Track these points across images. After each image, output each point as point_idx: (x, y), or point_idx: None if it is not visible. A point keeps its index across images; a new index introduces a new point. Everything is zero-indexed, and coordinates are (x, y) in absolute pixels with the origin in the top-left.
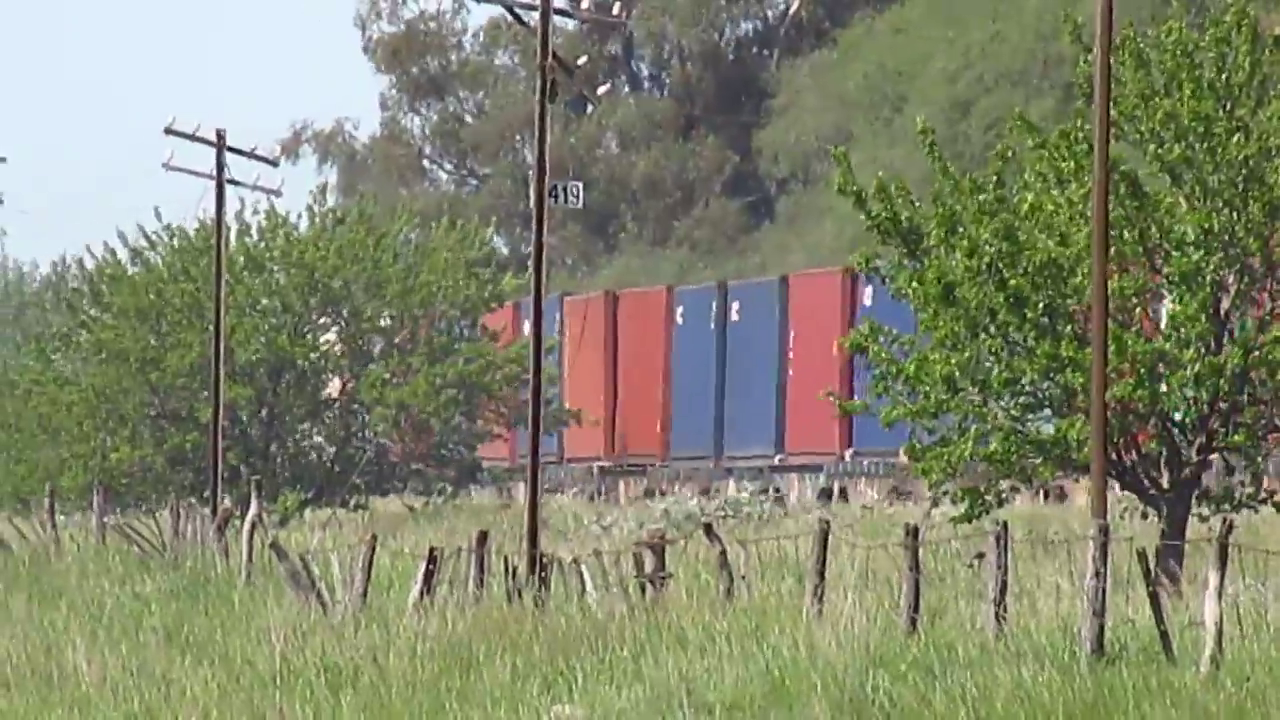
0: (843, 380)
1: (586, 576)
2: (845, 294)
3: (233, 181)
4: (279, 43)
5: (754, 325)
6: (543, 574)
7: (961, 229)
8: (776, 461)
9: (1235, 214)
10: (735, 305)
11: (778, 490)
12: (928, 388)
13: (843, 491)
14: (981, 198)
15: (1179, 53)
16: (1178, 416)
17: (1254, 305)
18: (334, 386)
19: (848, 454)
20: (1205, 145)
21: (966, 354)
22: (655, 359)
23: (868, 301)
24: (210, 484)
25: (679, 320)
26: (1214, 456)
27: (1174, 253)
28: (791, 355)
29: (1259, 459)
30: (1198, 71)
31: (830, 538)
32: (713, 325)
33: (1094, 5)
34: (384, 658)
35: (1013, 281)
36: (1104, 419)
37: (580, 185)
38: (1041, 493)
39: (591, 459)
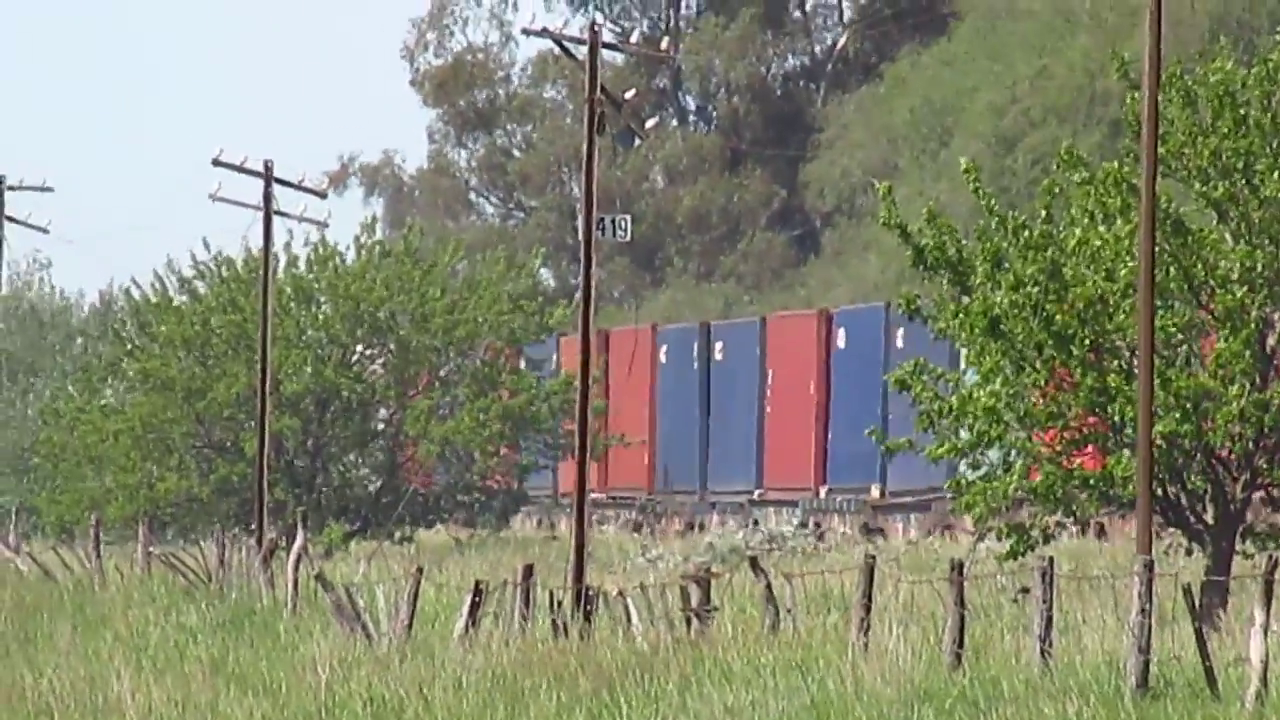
0: (818, 418)
1: (632, 609)
2: (820, 336)
3: (280, 213)
4: (327, 75)
5: (736, 364)
6: (588, 607)
7: (1007, 264)
8: (756, 496)
9: None
10: (719, 345)
11: (818, 525)
12: (971, 421)
13: (817, 525)
14: (1026, 234)
15: (1223, 90)
16: (1223, 453)
17: None
18: (382, 417)
19: (823, 490)
20: (1249, 182)
21: (1012, 388)
22: (642, 395)
23: (841, 344)
24: (256, 515)
25: (663, 359)
26: (1259, 493)
27: (1219, 290)
28: (770, 394)
29: None
30: (1242, 110)
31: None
32: (696, 364)
33: (1142, 42)
34: (429, 690)
35: (1059, 317)
36: (1150, 455)
37: (628, 218)
38: (1081, 528)
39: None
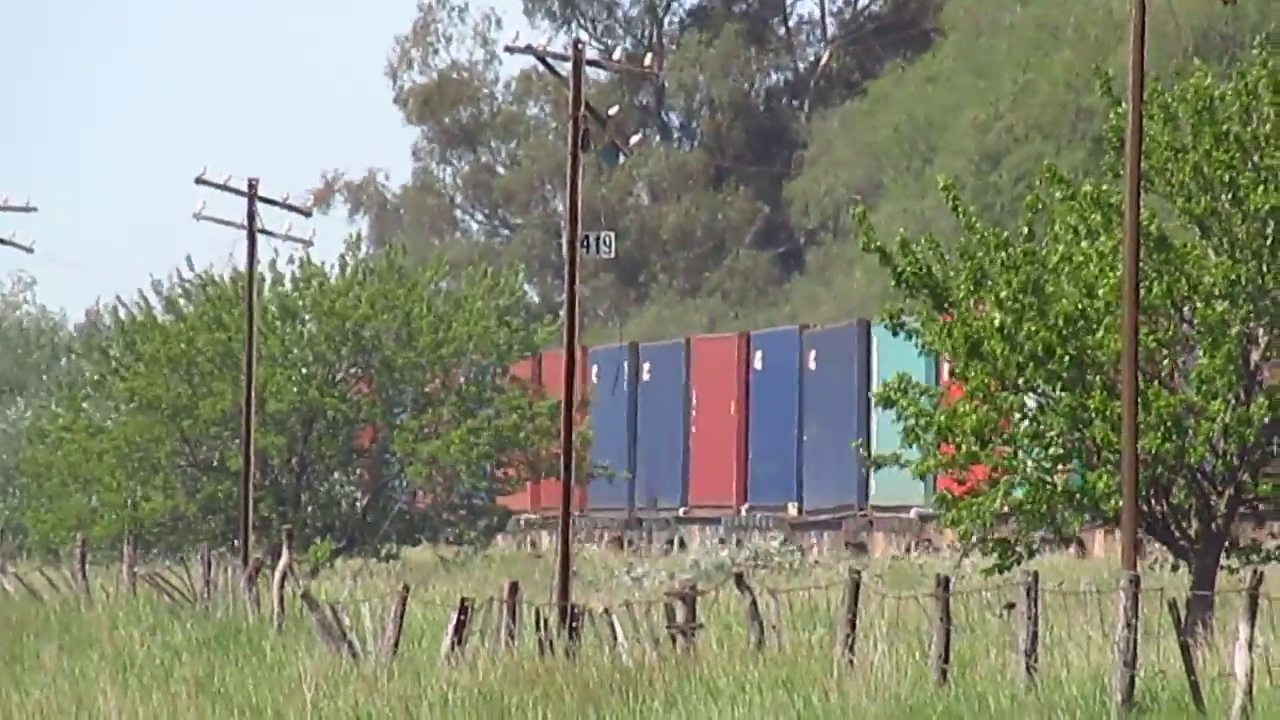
0: (739, 438)
1: (618, 626)
2: (740, 357)
3: (264, 231)
4: (311, 93)
5: (662, 385)
6: (574, 625)
7: (989, 282)
8: (681, 514)
9: (1264, 265)
10: (646, 365)
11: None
12: (958, 439)
13: (739, 543)
14: (1008, 251)
15: (1200, 107)
16: (1206, 468)
17: None
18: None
19: (744, 509)
20: (1231, 197)
21: (996, 406)
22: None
23: (758, 365)
24: (241, 533)
25: (594, 379)
26: (1243, 508)
27: (1199, 306)
28: (694, 414)
29: None
30: (1224, 125)
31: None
32: (625, 385)
33: (1125, 58)
34: (415, 708)
35: (1040, 334)
36: (1135, 471)
37: (612, 235)
38: (1065, 544)
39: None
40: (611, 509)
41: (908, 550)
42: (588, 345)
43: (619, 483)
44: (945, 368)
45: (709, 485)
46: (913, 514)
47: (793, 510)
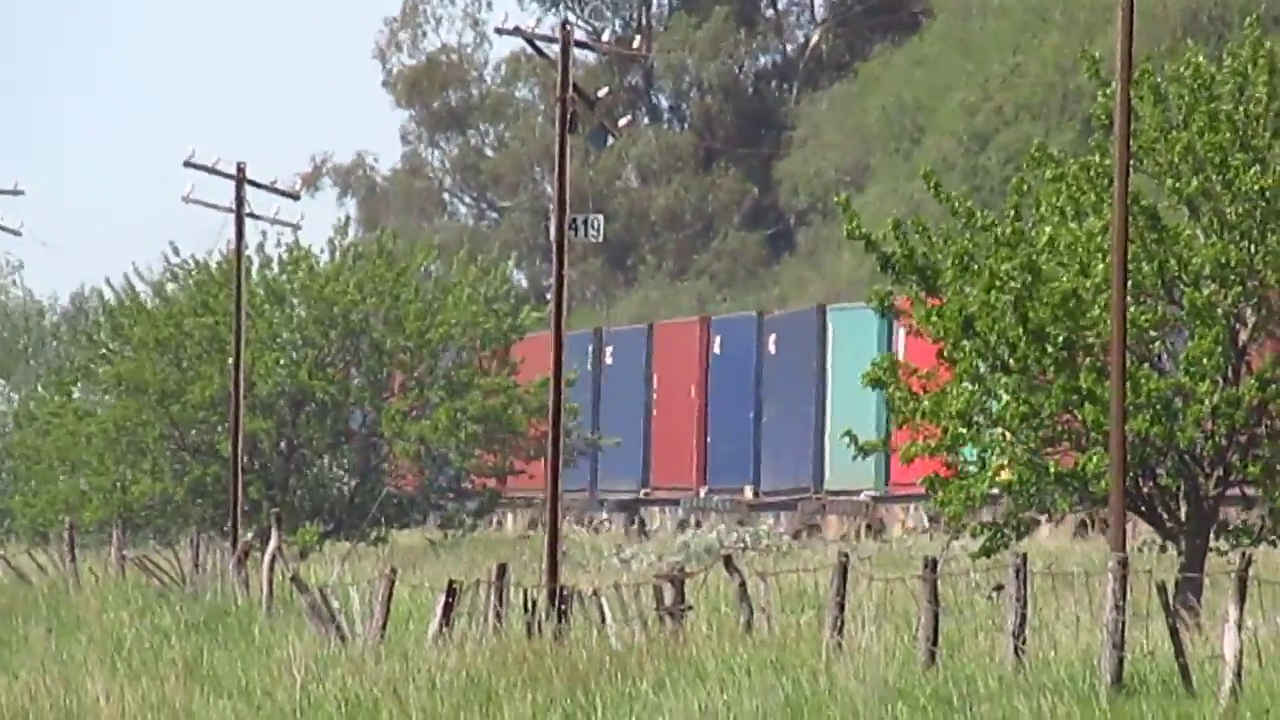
0: (699, 422)
1: (606, 609)
2: (701, 343)
3: (252, 215)
4: (299, 75)
5: (625, 369)
6: (562, 607)
7: (976, 265)
8: (641, 495)
9: (1253, 246)
10: (609, 349)
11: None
12: (946, 422)
13: (697, 524)
14: (998, 230)
15: (1196, 86)
16: (1195, 450)
17: (1272, 338)
18: (356, 420)
19: (702, 491)
20: (1222, 177)
21: (984, 388)
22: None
23: (718, 350)
24: (230, 516)
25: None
26: (1232, 490)
27: (1187, 287)
28: (656, 397)
29: (1277, 493)
30: (1214, 104)
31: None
32: (590, 367)
33: (1113, 39)
34: (404, 690)
35: (1032, 315)
36: (1123, 453)
37: (601, 218)
38: (1083, 525)
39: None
40: (574, 490)
41: (858, 534)
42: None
43: (581, 465)
44: (900, 350)
45: (669, 468)
46: (864, 497)
47: (749, 493)
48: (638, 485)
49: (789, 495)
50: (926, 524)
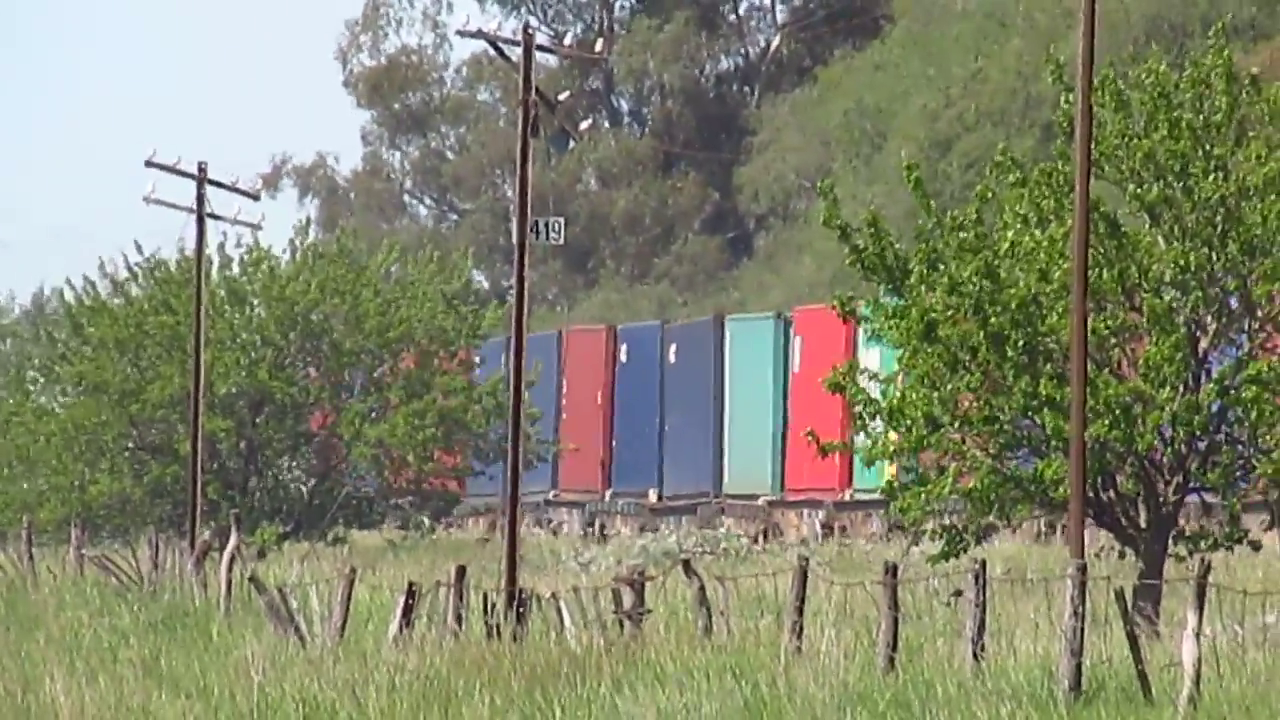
0: (605, 426)
1: (565, 612)
2: (608, 350)
3: (213, 215)
4: (260, 76)
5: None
6: (521, 609)
7: (943, 266)
8: (551, 497)
9: (1213, 253)
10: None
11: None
12: (908, 425)
13: (602, 528)
14: (963, 235)
15: (1157, 94)
16: (1155, 456)
17: (1232, 345)
18: (315, 420)
19: (607, 494)
20: (1182, 185)
21: (948, 388)
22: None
23: (623, 358)
24: (189, 516)
25: (476, 371)
26: (1192, 496)
27: (1147, 294)
28: (565, 402)
29: (1235, 499)
30: (1176, 112)
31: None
32: (504, 372)
33: (1076, 45)
34: (362, 692)
35: (993, 319)
36: (1083, 459)
37: (561, 221)
38: (1047, 529)
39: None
40: (487, 495)
41: (755, 539)
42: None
43: (495, 468)
44: (796, 360)
45: (577, 471)
46: (761, 502)
47: (653, 496)
48: (547, 487)
49: (690, 499)
50: (819, 530)
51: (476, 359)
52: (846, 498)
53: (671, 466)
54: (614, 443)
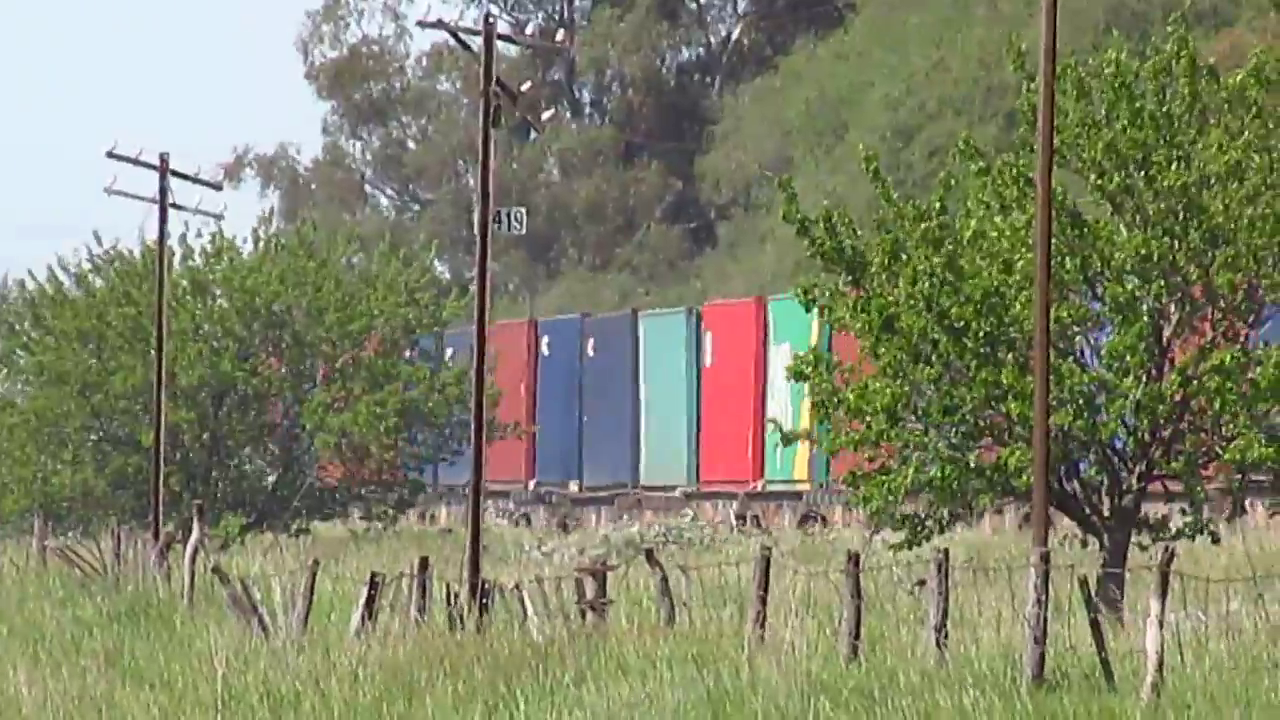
0: (528, 419)
1: (528, 602)
2: (530, 343)
3: (175, 206)
4: (221, 65)
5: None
6: (484, 600)
7: (905, 256)
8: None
9: (1175, 242)
10: (449, 350)
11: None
12: (869, 416)
13: (527, 518)
14: (925, 225)
15: (1118, 83)
16: (1118, 445)
17: (1195, 333)
18: (277, 411)
19: (531, 484)
20: (1144, 174)
21: (908, 382)
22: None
23: (545, 351)
24: (152, 508)
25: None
26: (1154, 485)
27: (1109, 283)
28: None
29: (1198, 488)
30: (1138, 102)
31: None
32: (432, 366)
33: (1038, 34)
34: (326, 683)
35: (954, 310)
36: (1046, 448)
37: (523, 211)
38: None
39: None
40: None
41: (735, 525)
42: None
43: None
44: (707, 354)
45: (502, 462)
46: (677, 493)
47: (574, 487)
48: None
49: (609, 491)
50: (734, 520)
51: (448, 352)
52: (759, 489)
53: (591, 458)
54: (536, 434)
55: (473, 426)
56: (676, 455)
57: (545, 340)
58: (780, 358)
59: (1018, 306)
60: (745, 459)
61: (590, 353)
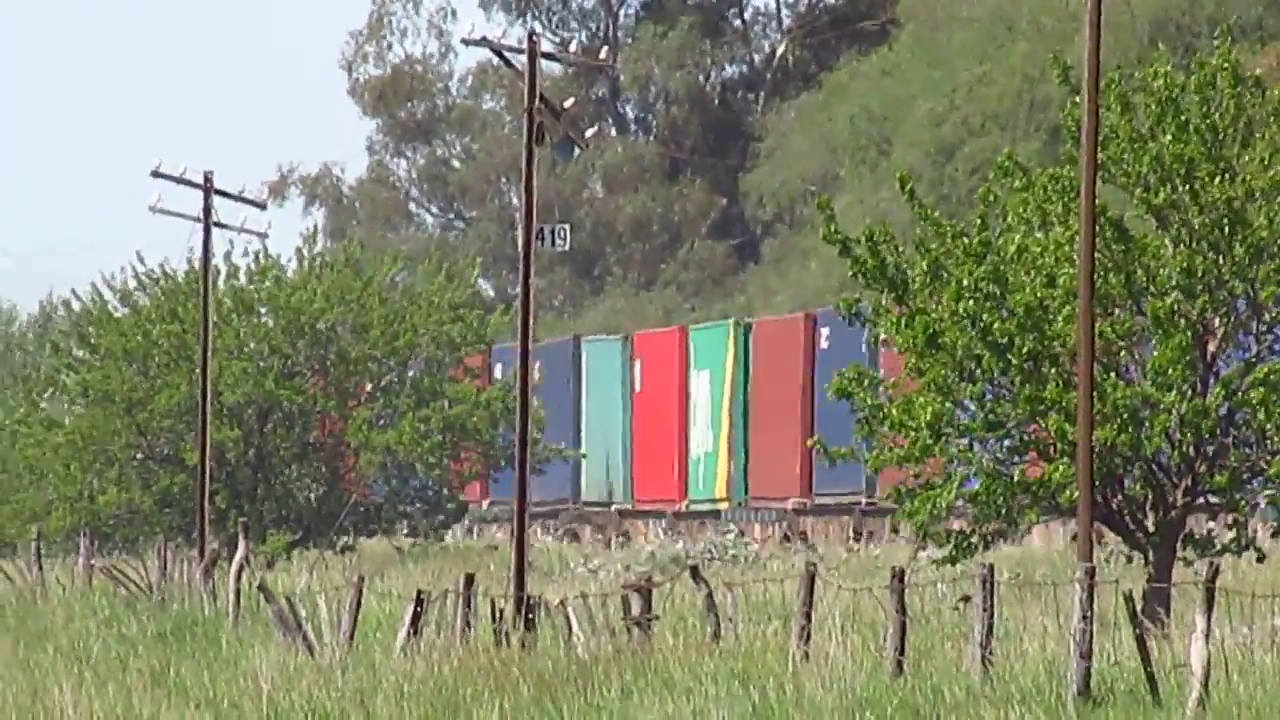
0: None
1: (573, 619)
2: (483, 368)
3: (220, 224)
4: (266, 85)
5: None
6: (529, 616)
7: (946, 274)
8: None
9: (1220, 256)
10: (498, 367)
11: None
12: (913, 432)
13: (481, 532)
14: (966, 241)
15: (1164, 97)
16: (1163, 460)
17: (1240, 348)
18: (323, 429)
19: (485, 503)
20: (1189, 188)
21: (952, 398)
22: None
23: (498, 375)
24: (197, 525)
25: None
26: (1199, 500)
27: (1153, 297)
28: None
29: (1242, 502)
30: (1183, 115)
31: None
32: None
33: (1082, 48)
34: (371, 701)
35: (997, 326)
36: (1090, 463)
37: (567, 228)
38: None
39: None
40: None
41: (608, 544)
42: None
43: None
44: (638, 380)
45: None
46: (613, 510)
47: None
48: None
49: (553, 506)
50: (661, 536)
51: (497, 369)
52: (683, 508)
53: (539, 477)
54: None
55: (516, 444)
56: (614, 474)
57: (498, 366)
58: (700, 384)
59: (1061, 322)
60: (671, 480)
61: (536, 376)
